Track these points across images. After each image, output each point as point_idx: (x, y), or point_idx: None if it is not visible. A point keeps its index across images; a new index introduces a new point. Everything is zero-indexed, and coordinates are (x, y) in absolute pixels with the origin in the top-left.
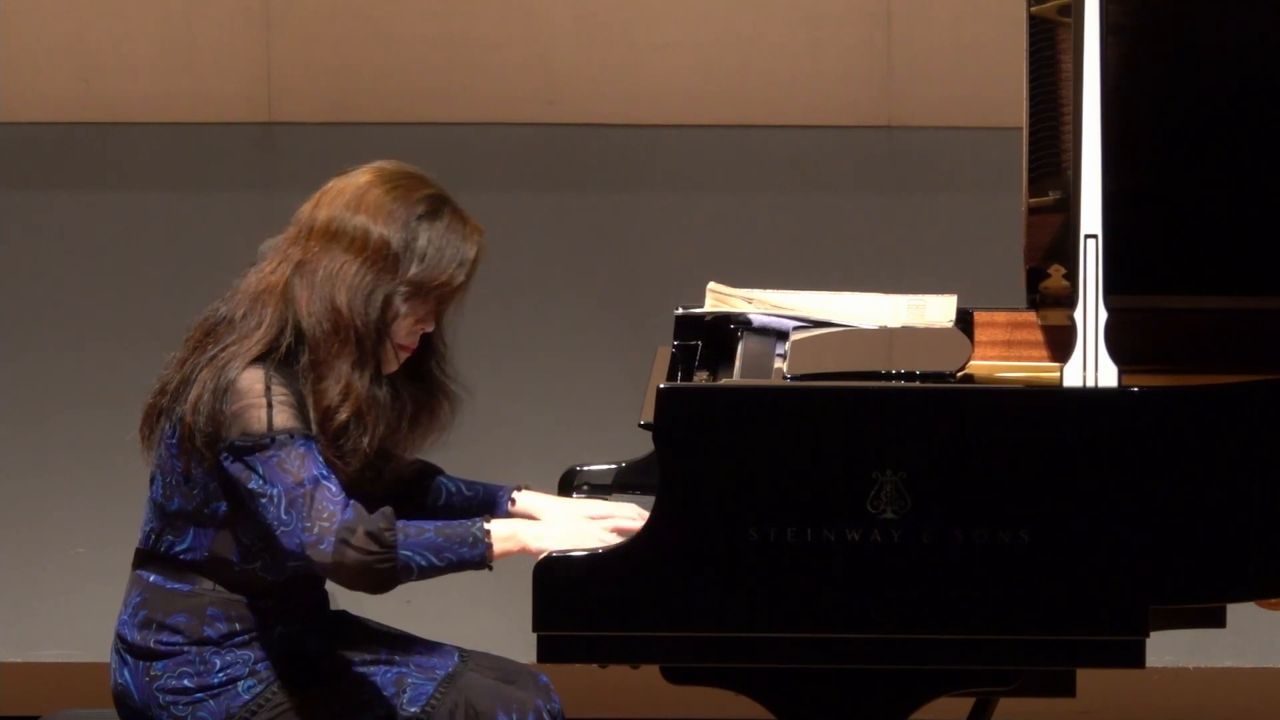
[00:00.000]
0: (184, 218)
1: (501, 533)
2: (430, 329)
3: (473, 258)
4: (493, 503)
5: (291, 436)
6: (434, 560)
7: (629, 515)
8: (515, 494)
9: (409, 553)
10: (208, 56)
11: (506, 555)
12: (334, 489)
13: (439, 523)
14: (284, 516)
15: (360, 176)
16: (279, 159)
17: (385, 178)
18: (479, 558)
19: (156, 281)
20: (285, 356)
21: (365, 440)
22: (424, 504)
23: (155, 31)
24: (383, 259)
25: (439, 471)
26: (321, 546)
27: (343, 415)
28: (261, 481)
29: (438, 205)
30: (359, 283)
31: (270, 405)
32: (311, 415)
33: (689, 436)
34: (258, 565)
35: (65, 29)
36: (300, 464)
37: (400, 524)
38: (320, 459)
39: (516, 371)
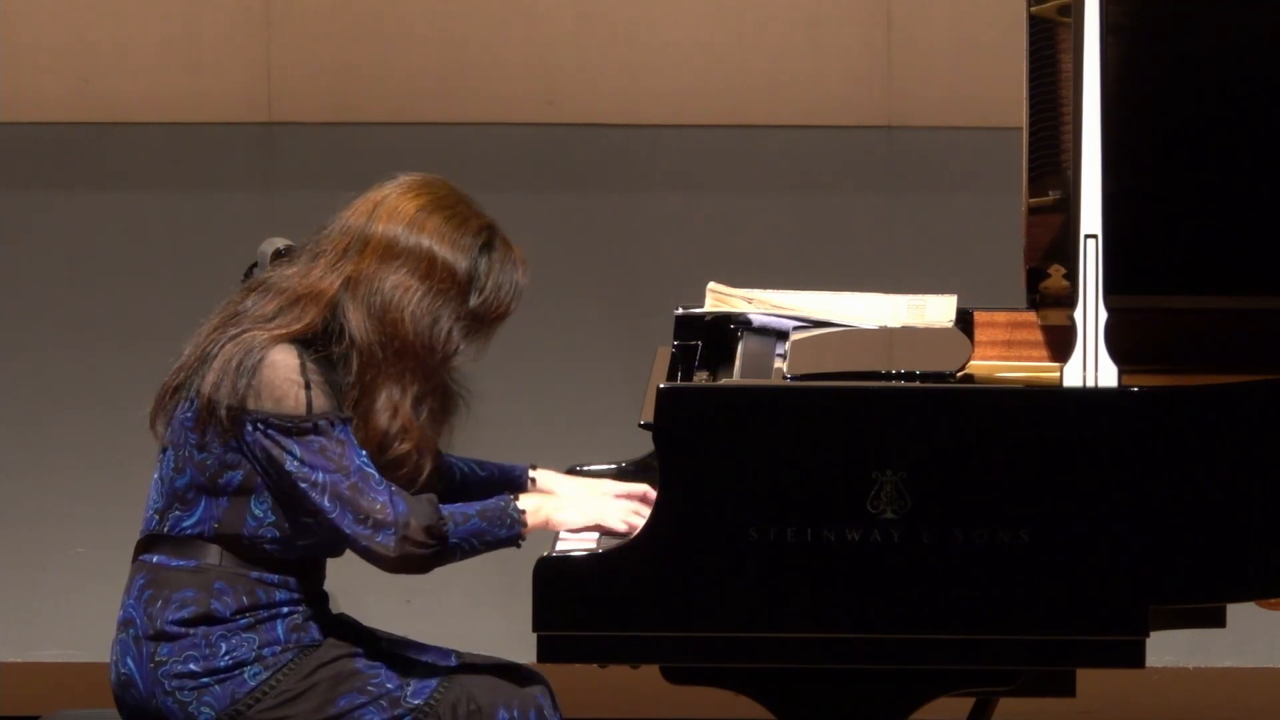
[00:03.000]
0: (184, 218)
1: (530, 508)
2: (470, 350)
3: (525, 285)
4: (512, 483)
5: (331, 423)
6: (476, 544)
7: (640, 490)
8: (532, 473)
9: (457, 540)
10: (208, 56)
11: (535, 529)
12: (376, 475)
13: (478, 505)
14: (328, 505)
15: (414, 198)
16: (279, 159)
17: (440, 201)
18: (515, 537)
19: (156, 281)
20: (324, 359)
21: (424, 473)
22: (446, 485)
23: (155, 31)
24: (451, 287)
25: (440, 451)
26: (379, 539)
27: (404, 447)
28: (299, 464)
29: (491, 234)
30: (426, 307)
31: (308, 385)
32: (360, 434)
33: (689, 436)
34: (266, 539)
35: (65, 29)
36: (342, 450)
37: (447, 512)
38: (356, 442)
39: (516, 371)
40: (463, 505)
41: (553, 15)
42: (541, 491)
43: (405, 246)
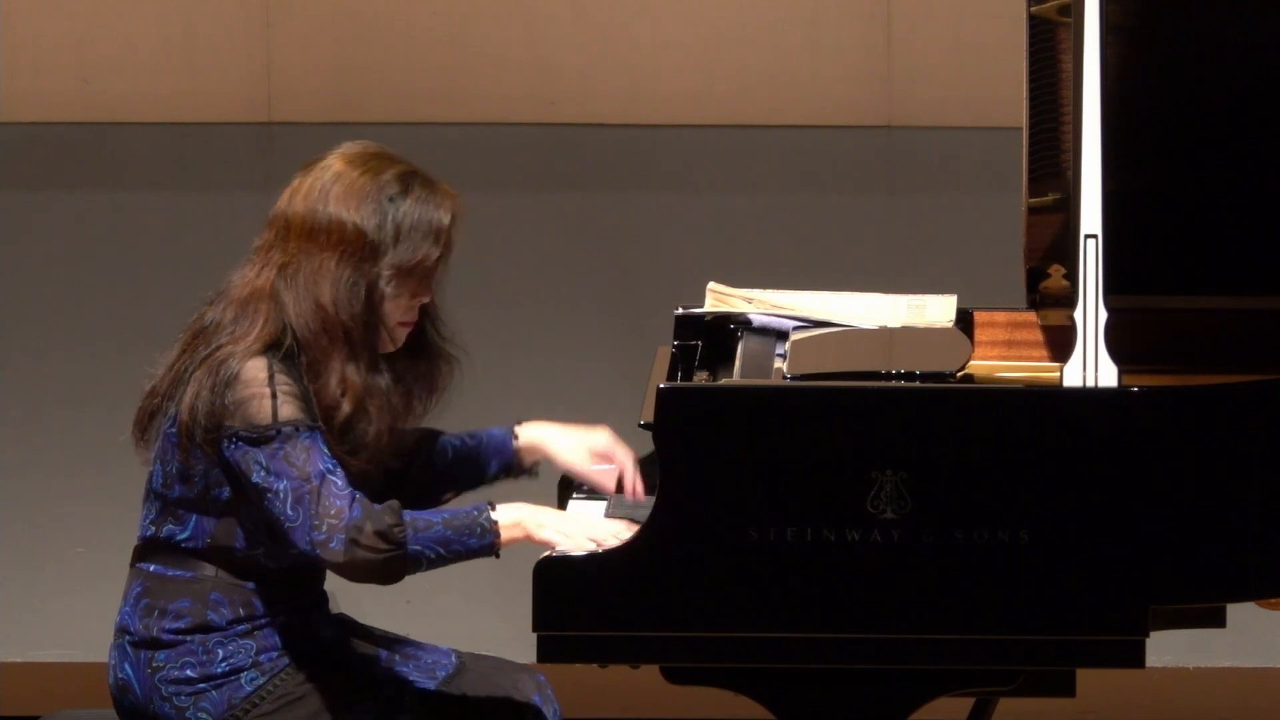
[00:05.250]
0: (184, 218)
1: (507, 520)
2: (428, 299)
3: (447, 225)
4: (499, 448)
5: (296, 429)
6: (442, 553)
7: (627, 456)
8: (517, 429)
9: (418, 547)
10: (208, 56)
11: (512, 543)
12: (340, 482)
13: (446, 513)
14: (290, 513)
15: (329, 166)
16: (279, 159)
17: (352, 161)
18: (487, 547)
19: (156, 281)
20: (287, 354)
21: (371, 431)
22: (431, 465)
23: (155, 31)
24: (361, 249)
25: (439, 433)
26: (331, 545)
27: (345, 409)
28: (265, 474)
29: (406, 181)
30: (341, 277)
31: (275, 395)
32: (316, 413)
33: (689, 436)
34: (260, 551)
35: (65, 29)
36: (306, 457)
37: (408, 518)
38: (326, 451)
39: (516, 372)
40: (430, 512)
41: (553, 15)
42: (530, 445)
43: (318, 220)
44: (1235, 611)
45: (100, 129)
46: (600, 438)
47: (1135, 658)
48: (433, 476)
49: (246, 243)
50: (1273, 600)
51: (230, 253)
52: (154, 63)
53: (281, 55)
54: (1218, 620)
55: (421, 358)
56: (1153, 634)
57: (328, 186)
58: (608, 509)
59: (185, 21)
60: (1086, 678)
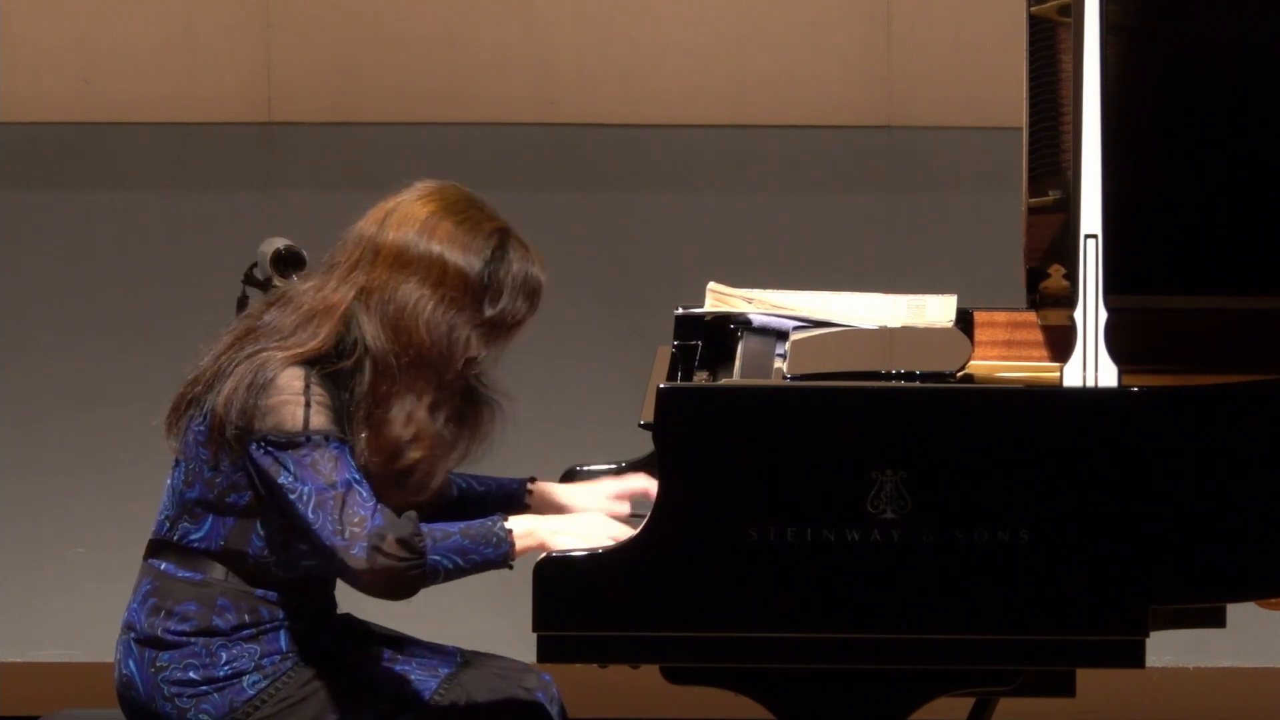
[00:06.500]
0: (184, 218)
1: (521, 530)
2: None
3: (540, 288)
4: (508, 497)
5: (326, 439)
6: (460, 562)
7: (641, 486)
8: (530, 486)
9: (437, 557)
10: (208, 56)
11: (527, 552)
12: (365, 494)
13: (462, 524)
14: (311, 516)
15: (425, 204)
16: (279, 159)
17: (451, 206)
18: (502, 557)
19: (156, 281)
20: (333, 374)
21: (435, 480)
22: (444, 501)
23: (155, 31)
24: (462, 294)
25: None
26: (353, 552)
27: (415, 454)
28: (291, 478)
29: (504, 238)
30: (438, 317)
31: (308, 404)
32: (364, 444)
33: (689, 436)
34: (272, 560)
35: (65, 29)
36: (333, 466)
37: (426, 528)
38: (352, 463)
39: (516, 371)
40: (444, 524)
41: (553, 15)
42: (541, 497)
43: (416, 254)
44: (1235, 611)
45: (100, 129)
46: (610, 485)
47: (1135, 658)
48: (439, 511)
49: (247, 242)
50: (1273, 600)
51: (230, 253)
52: (154, 63)
53: (281, 55)
54: (1218, 620)
55: (468, 403)
56: (1153, 634)
57: (429, 224)
58: (631, 509)
59: (185, 21)
60: (1086, 678)
